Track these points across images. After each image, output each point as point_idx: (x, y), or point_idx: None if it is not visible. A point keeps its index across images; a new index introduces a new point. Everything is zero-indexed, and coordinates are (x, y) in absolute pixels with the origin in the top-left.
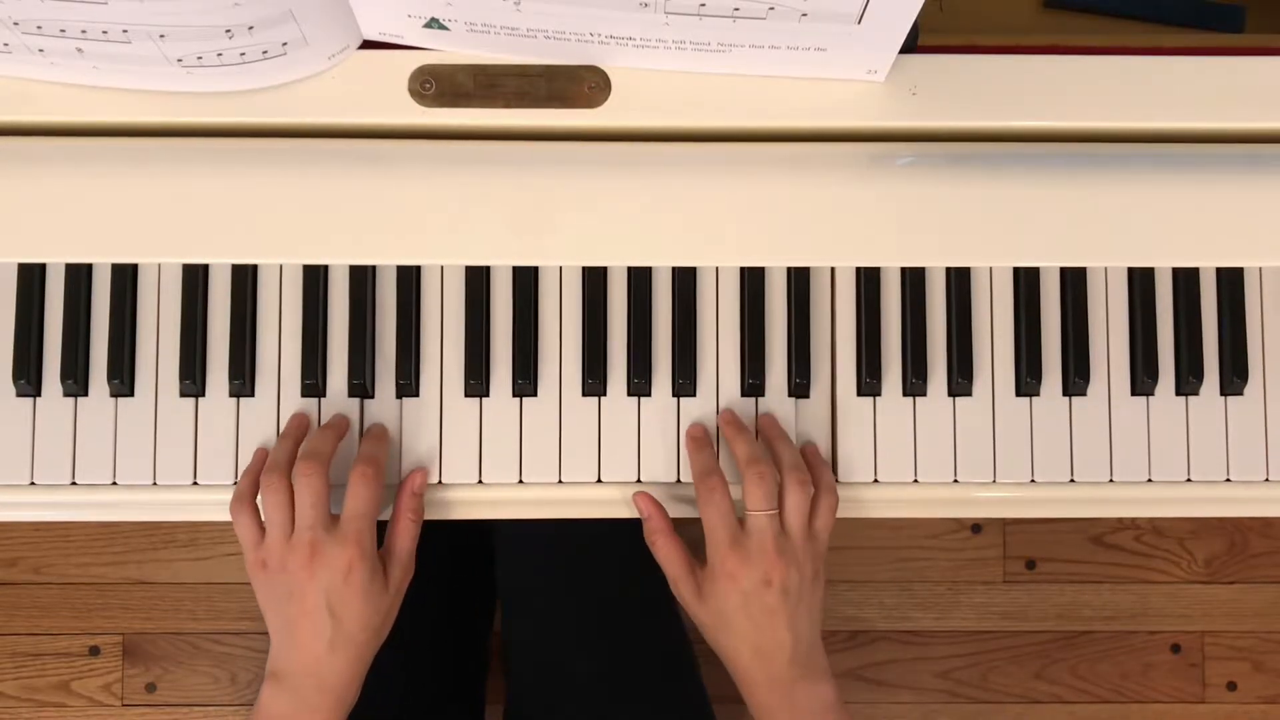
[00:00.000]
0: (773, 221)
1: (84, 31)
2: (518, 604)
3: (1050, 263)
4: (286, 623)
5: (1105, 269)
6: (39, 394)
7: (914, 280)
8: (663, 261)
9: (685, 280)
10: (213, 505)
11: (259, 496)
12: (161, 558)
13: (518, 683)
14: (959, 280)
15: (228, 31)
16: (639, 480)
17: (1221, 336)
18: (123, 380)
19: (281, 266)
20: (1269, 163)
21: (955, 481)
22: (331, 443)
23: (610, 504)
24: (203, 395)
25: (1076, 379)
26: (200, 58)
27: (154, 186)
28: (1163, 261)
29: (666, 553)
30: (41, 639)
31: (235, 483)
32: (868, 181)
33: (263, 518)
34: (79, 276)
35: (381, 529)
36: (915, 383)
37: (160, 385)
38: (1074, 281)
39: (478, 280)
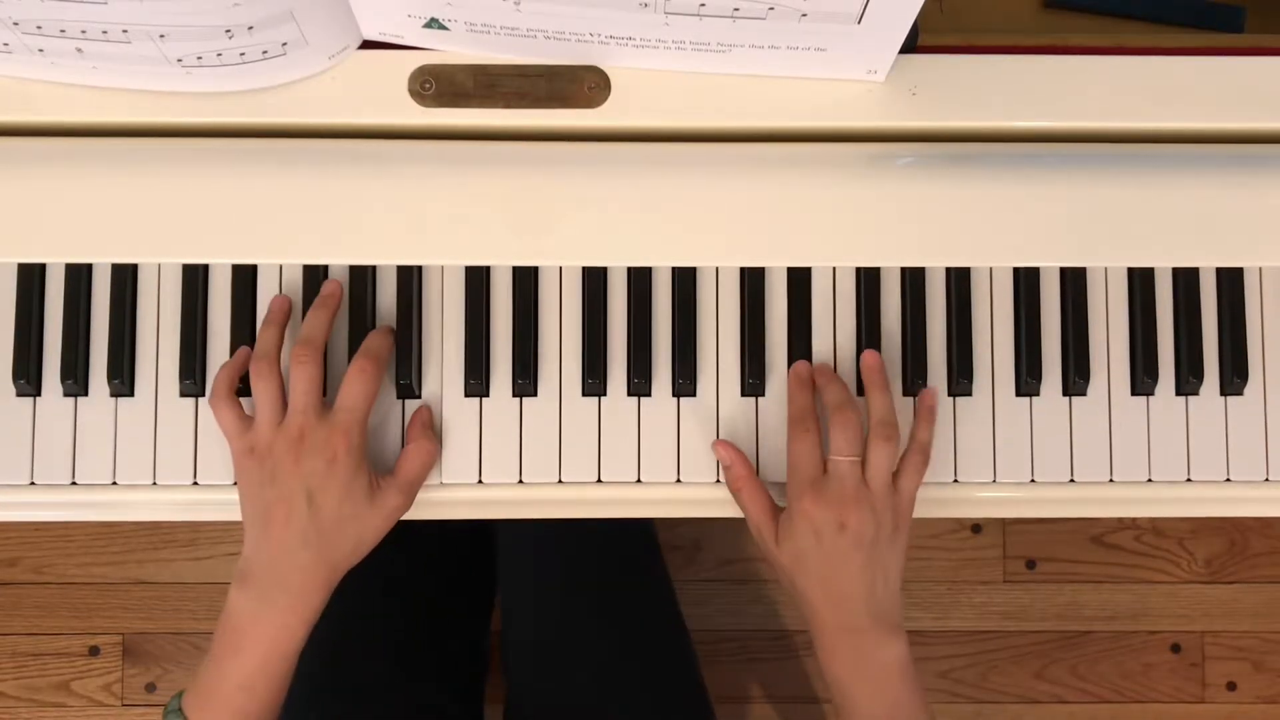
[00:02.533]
0: (773, 221)
1: (84, 31)
2: (517, 603)
3: (1050, 263)
4: (263, 509)
5: (1105, 269)
6: (39, 394)
7: (914, 280)
8: (663, 261)
9: (685, 280)
10: (213, 505)
11: (251, 382)
12: (161, 558)
13: (517, 682)
14: (959, 280)
15: (228, 31)
16: (639, 480)
17: (1221, 336)
18: (123, 380)
19: (281, 267)
20: (1269, 163)
21: (955, 481)
22: (326, 325)
23: (610, 504)
24: (203, 395)
25: (1076, 379)
26: (200, 58)
27: (154, 186)
28: (1163, 261)
29: (750, 500)
30: (41, 639)
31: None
32: (868, 181)
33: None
34: (79, 276)
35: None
36: (915, 383)
37: (160, 385)
38: (1074, 281)
39: (478, 280)
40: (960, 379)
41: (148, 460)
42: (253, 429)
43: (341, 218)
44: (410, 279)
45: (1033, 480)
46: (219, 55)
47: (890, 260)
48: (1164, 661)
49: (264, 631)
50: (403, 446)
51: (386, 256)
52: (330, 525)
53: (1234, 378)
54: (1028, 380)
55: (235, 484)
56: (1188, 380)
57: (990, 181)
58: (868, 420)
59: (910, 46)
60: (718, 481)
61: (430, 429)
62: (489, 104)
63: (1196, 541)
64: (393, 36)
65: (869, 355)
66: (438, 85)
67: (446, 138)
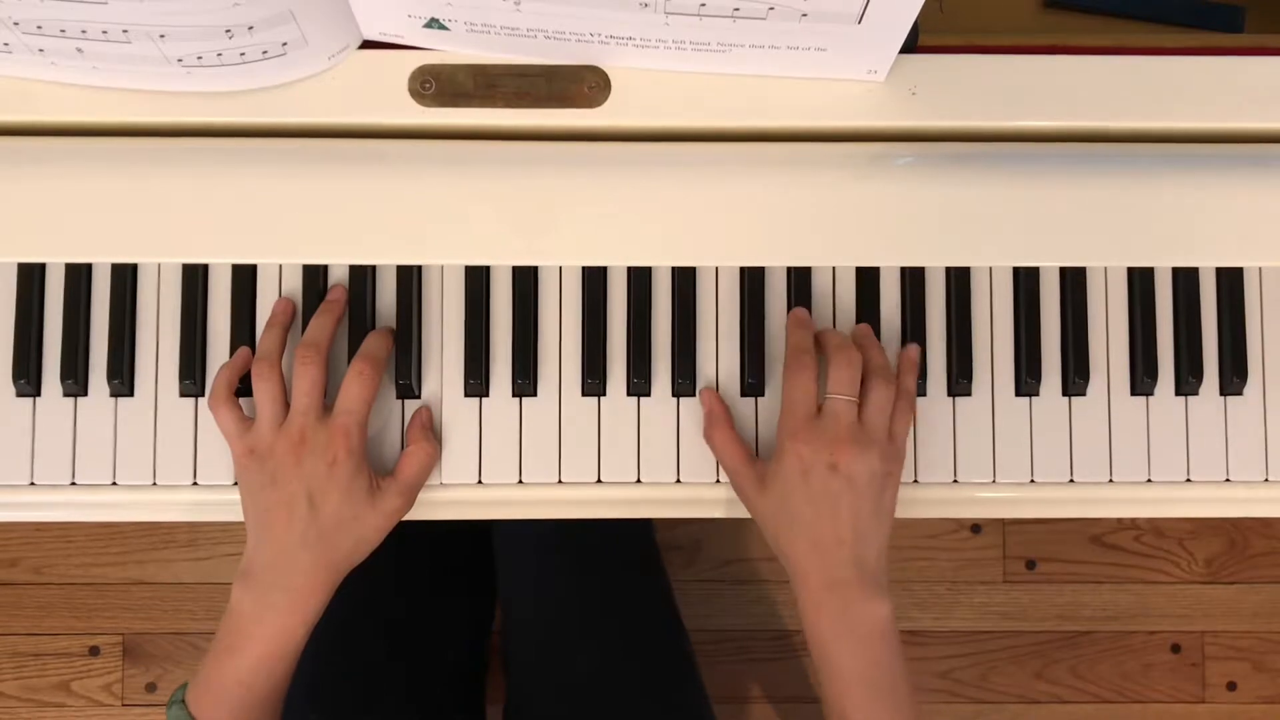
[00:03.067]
0: (773, 221)
1: (84, 31)
2: (517, 604)
3: (1050, 263)
4: (264, 511)
5: (1105, 269)
6: (39, 394)
7: (913, 280)
8: (663, 261)
9: (685, 280)
10: (213, 505)
11: (252, 383)
12: (161, 558)
13: (517, 683)
14: (959, 280)
15: (228, 31)
16: (639, 480)
17: (1221, 336)
18: (123, 380)
19: (281, 266)
20: (1269, 163)
21: (955, 481)
22: (330, 329)
23: (610, 504)
24: (203, 395)
25: (1076, 379)
26: (200, 58)
27: (154, 186)
28: (1163, 261)
29: (724, 445)
30: (41, 639)
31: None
32: (868, 181)
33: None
34: (79, 276)
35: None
36: (915, 382)
37: (160, 385)
38: (1074, 281)
39: (478, 280)
40: (960, 379)
41: (148, 460)
42: (253, 430)
43: (341, 218)
44: (410, 279)
45: (1032, 480)
46: (219, 55)
47: (890, 260)
48: (1164, 661)
49: (264, 631)
50: (403, 448)
51: (386, 256)
52: (331, 527)
53: (1234, 378)
54: (1027, 380)
55: (236, 484)
56: (1187, 380)
57: (990, 181)
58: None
59: (910, 46)
60: (718, 481)
61: (430, 430)
62: (489, 104)
63: (1196, 541)
64: (393, 36)
65: (861, 325)
66: (438, 85)
67: (446, 137)
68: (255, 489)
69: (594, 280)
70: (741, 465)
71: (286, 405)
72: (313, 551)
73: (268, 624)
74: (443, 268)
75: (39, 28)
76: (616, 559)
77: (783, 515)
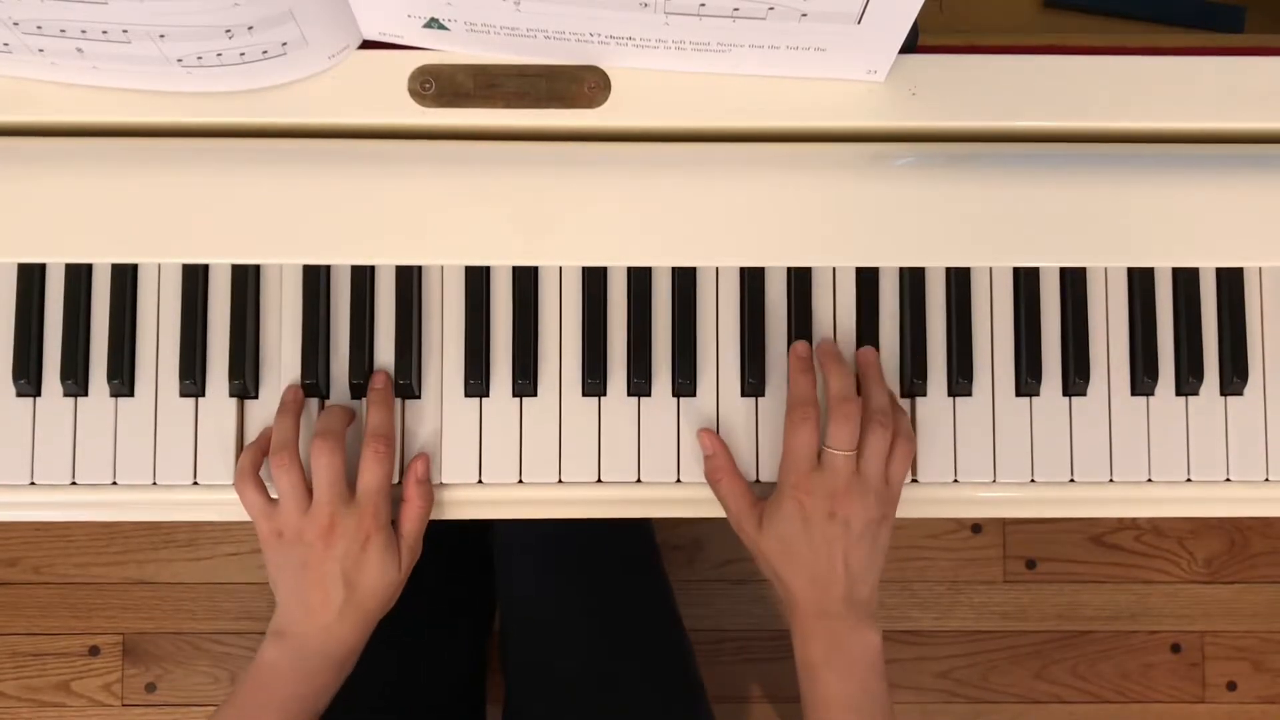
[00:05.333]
0: (773, 221)
1: (84, 31)
2: (517, 604)
3: (1050, 263)
4: (298, 589)
5: (1105, 269)
6: (39, 394)
7: (913, 280)
8: (663, 261)
9: (685, 280)
10: (213, 505)
11: (272, 474)
12: (161, 558)
13: (516, 683)
14: (959, 280)
15: (228, 31)
16: (639, 480)
17: (1221, 336)
18: (123, 380)
19: (282, 266)
20: (1269, 163)
21: (955, 481)
22: (344, 419)
23: (610, 504)
24: (203, 395)
25: (1076, 379)
26: (200, 58)
27: (154, 186)
28: (1163, 261)
29: (729, 490)
30: (41, 639)
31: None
32: (867, 181)
33: (274, 494)
34: (79, 276)
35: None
36: (915, 383)
37: (160, 385)
38: (1074, 281)
39: (478, 280)
40: (960, 379)
41: (148, 460)
42: (279, 513)
43: (342, 218)
44: (410, 279)
45: (1033, 480)
46: (219, 55)
47: (890, 260)
48: (1164, 661)
49: (302, 688)
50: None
51: (386, 256)
52: (367, 598)
53: (1234, 378)
54: (1027, 380)
55: (264, 560)
56: (1188, 380)
57: (990, 181)
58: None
59: (910, 46)
60: None
61: (427, 482)
62: (489, 104)
63: (1196, 541)
64: (393, 36)
65: (865, 351)
66: (438, 85)
67: (446, 138)
68: (287, 570)
69: (594, 280)
70: (745, 508)
71: (309, 491)
72: (350, 621)
73: (307, 684)
74: (442, 268)
75: (39, 28)
76: (616, 559)
77: (782, 553)
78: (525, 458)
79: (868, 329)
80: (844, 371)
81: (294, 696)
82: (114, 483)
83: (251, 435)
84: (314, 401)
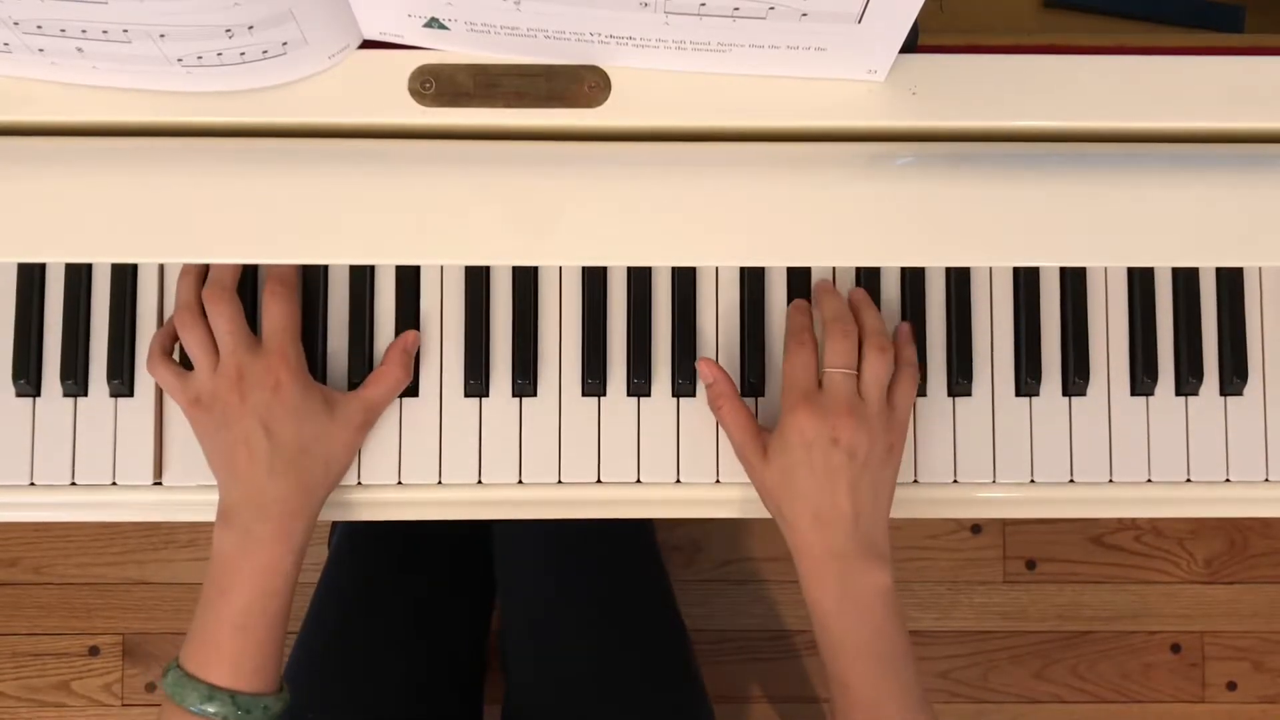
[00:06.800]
0: (773, 221)
1: (84, 31)
2: (516, 603)
3: (1050, 263)
4: (225, 454)
5: (1105, 269)
6: (39, 394)
7: (913, 280)
8: (663, 261)
9: (685, 280)
10: (213, 506)
11: (178, 333)
12: (161, 558)
13: (516, 682)
14: (959, 280)
15: (228, 31)
16: (639, 480)
17: (1221, 336)
18: (123, 380)
19: None
20: (1269, 163)
21: (955, 481)
22: (231, 271)
23: (610, 504)
24: None
25: (1076, 379)
26: (200, 57)
27: (154, 186)
28: (1163, 261)
29: (732, 416)
30: (41, 639)
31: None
32: (868, 181)
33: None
34: (79, 276)
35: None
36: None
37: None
38: (1074, 281)
39: (478, 280)
40: (960, 379)
41: (148, 460)
42: (192, 378)
43: (341, 218)
44: (410, 279)
45: (1032, 480)
46: (219, 55)
47: (890, 260)
48: (1164, 661)
49: (252, 565)
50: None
51: (386, 256)
52: (295, 450)
53: (1234, 378)
54: (1027, 380)
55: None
56: (1187, 380)
57: (990, 181)
58: (861, 335)
59: (910, 46)
60: (718, 481)
61: (410, 358)
62: (489, 104)
63: (1196, 541)
64: (393, 36)
65: (857, 290)
66: (438, 85)
67: (446, 137)
68: (210, 434)
69: (594, 280)
70: (749, 437)
71: (214, 348)
72: (284, 478)
73: (254, 558)
74: (442, 268)
75: (39, 27)
76: (616, 559)
77: (786, 487)
78: (525, 458)
79: None
80: (838, 299)
81: (253, 572)
82: (114, 483)
83: None
84: None
